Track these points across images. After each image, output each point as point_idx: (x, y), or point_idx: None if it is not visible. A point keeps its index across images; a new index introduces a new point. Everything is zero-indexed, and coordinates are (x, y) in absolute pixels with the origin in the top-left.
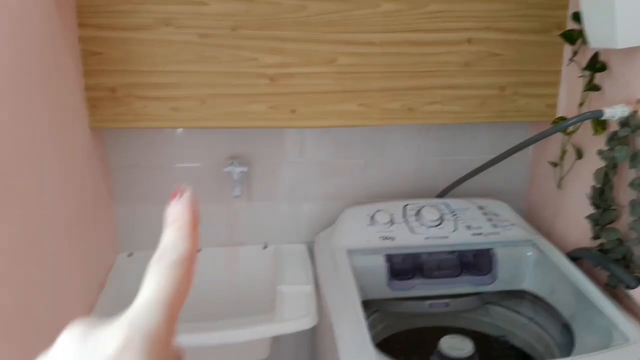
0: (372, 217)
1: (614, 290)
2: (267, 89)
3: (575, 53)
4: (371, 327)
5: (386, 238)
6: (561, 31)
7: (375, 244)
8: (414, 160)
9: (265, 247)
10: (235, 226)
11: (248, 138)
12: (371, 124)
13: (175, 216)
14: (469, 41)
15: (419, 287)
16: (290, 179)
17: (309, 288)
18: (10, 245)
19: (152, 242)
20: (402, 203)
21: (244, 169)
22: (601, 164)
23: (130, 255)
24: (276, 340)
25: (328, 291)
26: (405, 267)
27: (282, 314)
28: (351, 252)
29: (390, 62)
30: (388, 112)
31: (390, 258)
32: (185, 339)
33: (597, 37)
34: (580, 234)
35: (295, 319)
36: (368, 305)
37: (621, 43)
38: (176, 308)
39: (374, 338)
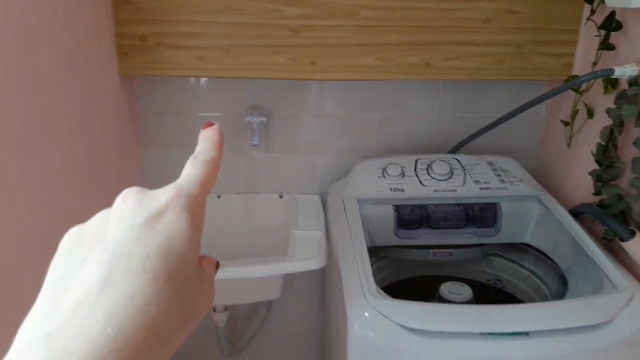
0: (384, 170)
1: (611, 244)
2: (289, 41)
3: (593, 12)
4: (377, 272)
5: (396, 189)
6: None
7: (385, 194)
8: (430, 116)
9: (281, 196)
10: (253, 175)
11: (268, 89)
12: (388, 78)
13: (208, 134)
14: None
15: (424, 236)
16: (308, 132)
17: (320, 234)
18: (42, 180)
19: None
20: (414, 157)
21: (263, 119)
22: (610, 122)
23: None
24: (289, 282)
25: (337, 237)
26: (412, 217)
27: (293, 256)
28: (361, 202)
29: (409, 17)
30: (405, 66)
31: (398, 208)
32: None
33: None
34: (586, 191)
35: (305, 259)
36: (376, 252)
37: (635, 2)
38: (207, 189)
39: (378, 283)
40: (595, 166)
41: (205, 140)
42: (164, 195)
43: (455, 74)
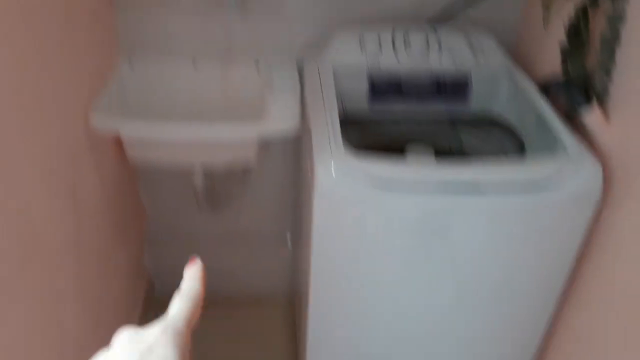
0: (361, 39)
1: (572, 115)
2: None
3: None
4: (347, 141)
5: (372, 59)
6: None
7: (361, 63)
8: None
9: (257, 62)
10: (229, 39)
11: None
12: None
13: (191, 272)
14: None
15: (396, 108)
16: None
17: (295, 100)
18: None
19: (152, 47)
20: (391, 26)
21: None
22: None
23: (131, 61)
24: (264, 148)
25: (311, 104)
26: (386, 88)
27: (269, 118)
28: (337, 71)
29: None
30: None
31: (372, 79)
32: (180, 131)
33: None
34: (556, 68)
35: (278, 121)
36: (348, 121)
37: None
38: (191, 323)
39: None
40: (565, 43)
41: (190, 278)
42: (154, 332)
43: None
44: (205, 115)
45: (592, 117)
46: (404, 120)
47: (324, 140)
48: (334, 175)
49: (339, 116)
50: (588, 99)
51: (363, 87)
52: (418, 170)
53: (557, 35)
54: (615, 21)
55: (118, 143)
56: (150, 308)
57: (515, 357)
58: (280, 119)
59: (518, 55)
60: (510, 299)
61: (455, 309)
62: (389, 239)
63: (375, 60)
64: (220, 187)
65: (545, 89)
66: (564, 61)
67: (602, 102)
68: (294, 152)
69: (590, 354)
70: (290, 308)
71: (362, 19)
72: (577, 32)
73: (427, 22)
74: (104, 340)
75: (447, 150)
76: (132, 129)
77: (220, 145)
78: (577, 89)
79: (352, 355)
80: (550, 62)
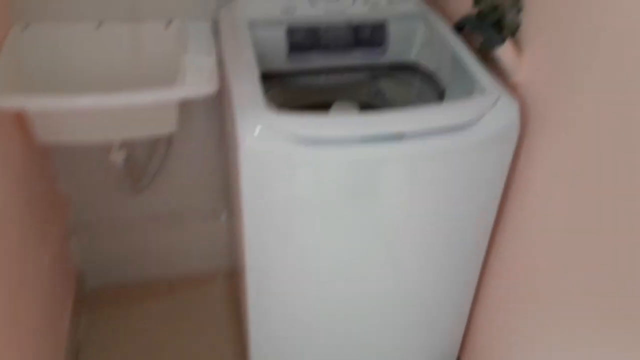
0: None
1: (486, 54)
2: None
3: None
4: (270, 100)
5: (287, 10)
6: None
7: (277, 15)
8: None
9: (169, 23)
10: None
11: None
12: None
13: None
14: None
15: (316, 59)
16: None
17: (212, 60)
18: None
19: (50, 11)
20: None
21: None
22: None
23: (26, 27)
24: (186, 116)
25: (229, 62)
26: (304, 40)
27: (185, 82)
28: (253, 25)
29: None
30: None
31: (290, 31)
32: (91, 101)
33: None
34: (468, 4)
35: (195, 84)
36: (268, 78)
37: None
38: None
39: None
40: None
41: None
42: None
43: None
44: (115, 82)
45: (505, 52)
46: (325, 72)
47: (244, 100)
48: (257, 134)
49: (259, 73)
50: (501, 34)
51: (281, 40)
52: (340, 123)
53: None
54: None
55: (20, 123)
56: (81, 307)
57: (454, 303)
58: (198, 80)
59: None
60: (443, 245)
61: (390, 262)
62: (318, 195)
63: (291, 12)
64: (142, 162)
65: (459, 28)
66: None
67: (514, 36)
68: (217, 117)
69: (522, 284)
70: (231, 284)
71: None
72: None
73: None
74: (33, 350)
75: (369, 102)
76: (37, 104)
77: (138, 113)
78: (489, 25)
79: (294, 324)
80: (462, 1)
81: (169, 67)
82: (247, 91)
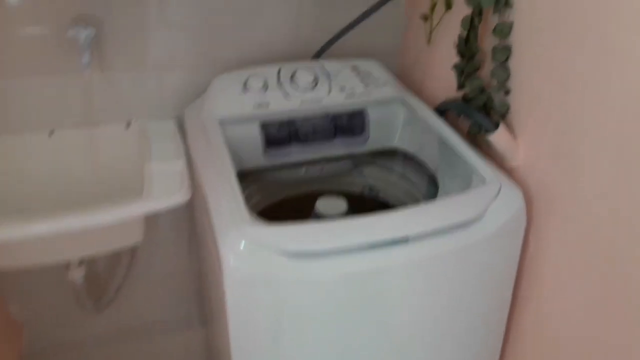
0: (245, 84)
1: (476, 138)
2: None
3: None
4: (248, 199)
5: (260, 105)
6: None
7: (249, 111)
8: (289, 19)
9: (128, 125)
10: (90, 102)
11: None
12: None
13: None
14: None
15: (294, 153)
16: (152, 44)
17: (180, 163)
18: None
19: None
20: (277, 67)
21: (92, 31)
22: (469, 12)
23: None
24: (151, 223)
25: (201, 165)
26: (280, 134)
27: (151, 192)
28: (224, 122)
29: None
30: None
31: (265, 126)
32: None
33: None
34: (448, 87)
35: (165, 195)
36: (244, 176)
37: None
38: None
39: (251, 209)
40: (455, 59)
41: None
42: None
43: None
44: (74, 193)
45: (499, 138)
46: (305, 164)
47: (224, 210)
48: (242, 251)
49: (236, 175)
50: (489, 117)
51: (255, 136)
52: (336, 232)
53: (440, 51)
54: (504, 30)
55: None
56: None
57: None
58: (167, 191)
59: (404, 77)
60: (456, 345)
61: None
62: (315, 311)
63: (265, 106)
64: (104, 276)
65: (442, 112)
66: (460, 80)
67: (504, 118)
68: (186, 218)
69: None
70: None
71: (242, 62)
72: (468, 47)
73: (312, 58)
74: None
75: (358, 196)
76: None
77: (100, 232)
78: (477, 108)
79: None
80: (439, 81)
81: (133, 171)
82: (225, 199)
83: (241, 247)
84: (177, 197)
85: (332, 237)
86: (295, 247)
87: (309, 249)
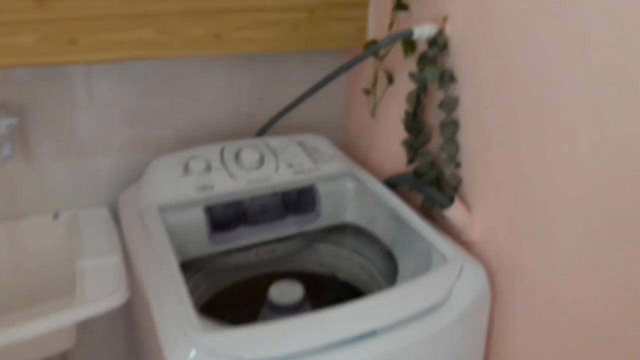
0: (186, 166)
1: (429, 212)
2: (33, 15)
3: None
4: (193, 290)
5: (204, 188)
6: None
7: (192, 195)
8: (228, 97)
9: (56, 217)
10: (13, 194)
11: (16, 80)
12: (173, 55)
13: None
14: None
15: (243, 236)
16: (81, 129)
17: (116, 258)
18: None
19: None
20: (219, 146)
21: (13, 120)
22: (411, 86)
23: None
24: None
25: (139, 259)
26: (227, 217)
27: (84, 295)
28: (164, 209)
29: None
30: (192, 39)
31: (209, 209)
32: None
33: None
34: (396, 160)
35: (100, 298)
36: (188, 266)
37: None
38: None
39: (197, 301)
40: (400, 132)
41: None
42: None
43: (249, 45)
44: None
45: (455, 212)
46: (256, 249)
47: (168, 312)
48: None
49: (179, 268)
50: (442, 190)
51: (199, 222)
52: (298, 331)
53: (385, 124)
54: (450, 105)
55: None
56: None
57: None
58: (101, 292)
59: (349, 151)
60: None
61: None
62: None
63: (209, 189)
64: None
65: (392, 185)
66: (410, 155)
67: (457, 191)
68: (123, 315)
69: None
70: None
71: (181, 142)
72: (415, 122)
73: (256, 135)
74: None
75: (313, 276)
76: None
77: (26, 344)
78: (430, 182)
79: None
80: (386, 154)
81: (63, 267)
82: (169, 299)
83: (190, 355)
84: (113, 299)
85: (293, 339)
86: (252, 355)
87: (267, 356)
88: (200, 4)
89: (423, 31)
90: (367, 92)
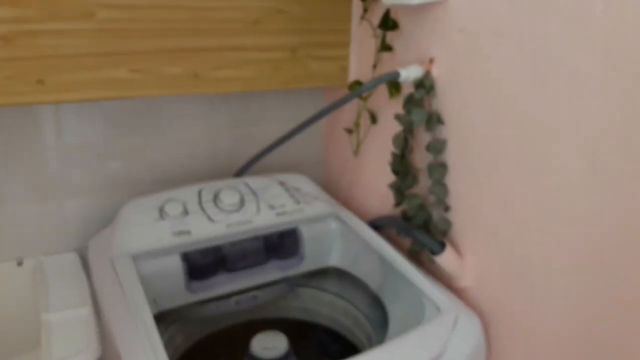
0: (161, 209)
1: (418, 256)
2: (1, 53)
3: (365, 10)
4: (169, 342)
5: (181, 233)
6: None
7: (168, 241)
8: (205, 136)
9: (20, 264)
10: None
11: None
12: (147, 94)
13: None
14: None
15: (223, 284)
16: (49, 170)
17: (85, 311)
18: None
19: None
20: (197, 188)
21: None
22: (395, 126)
23: None
24: None
25: (110, 311)
26: (206, 263)
27: (50, 353)
28: (138, 257)
29: (164, 18)
30: (168, 79)
31: (187, 256)
32: None
33: None
34: (379, 201)
35: (68, 356)
36: (164, 317)
37: None
38: None
39: (173, 353)
40: (385, 173)
41: None
42: None
43: (229, 85)
44: None
45: (446, 259)
46: (236, 296)
47: None
48: None
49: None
50: (430, 233)
51: (176, 268)
52: None
53: (367, 163)
54: (438, 147)
55: None
56: None
57: None
58: (70, 350)
59: (330, 190)
60: None
61: None
62: None
63: (186, 234)
64: None
65: (378, 227)
66: (397, 197)
67: (446, 236)
68: None
69: None
70: None
71: (156, 183)
72: (403, 165)
73: (235, 176)
74: None
75: (297, 324)
76: None
77: None
78: (424, 233)
79: None
80: (369, 194)
81: (27, 319)
82: (143, 355)
83: None
84: (84, 357)
85: None
86: None
87: None
88: (177, 42)
89: (409, 73)
90: (350, 131)
